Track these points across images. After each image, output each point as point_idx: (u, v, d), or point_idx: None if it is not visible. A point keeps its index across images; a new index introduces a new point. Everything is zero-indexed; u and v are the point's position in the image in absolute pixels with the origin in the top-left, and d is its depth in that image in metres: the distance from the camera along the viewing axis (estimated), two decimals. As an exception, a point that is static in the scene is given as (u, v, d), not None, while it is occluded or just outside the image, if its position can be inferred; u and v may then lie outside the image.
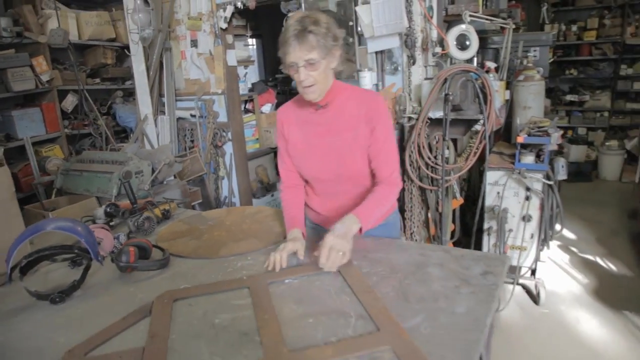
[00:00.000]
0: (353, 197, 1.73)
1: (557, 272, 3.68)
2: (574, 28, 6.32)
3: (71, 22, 4.18)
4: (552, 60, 4.11)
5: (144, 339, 1.23)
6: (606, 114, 6.40)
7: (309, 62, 1.51)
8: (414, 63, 3.19)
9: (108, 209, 2.07)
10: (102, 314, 1.39)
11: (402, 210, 3.40)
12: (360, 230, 1.57)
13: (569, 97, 6.53)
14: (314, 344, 1.15)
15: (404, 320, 1.21)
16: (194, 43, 4.08)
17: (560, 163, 3.50)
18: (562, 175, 3.53)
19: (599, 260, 3.85)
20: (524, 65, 3.58)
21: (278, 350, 1.12)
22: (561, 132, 3.30)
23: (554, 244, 4.12)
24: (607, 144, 5.97)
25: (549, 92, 6.58)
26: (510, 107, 3.65)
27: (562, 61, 6.63)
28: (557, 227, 4.15)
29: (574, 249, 4.08)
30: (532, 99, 3.52)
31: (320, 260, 1.45)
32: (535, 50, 3.84)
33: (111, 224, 2.06)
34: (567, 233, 4.39)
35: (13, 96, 3.86)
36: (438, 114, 3.02)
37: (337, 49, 1.57)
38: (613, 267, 3.72)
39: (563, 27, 6.37)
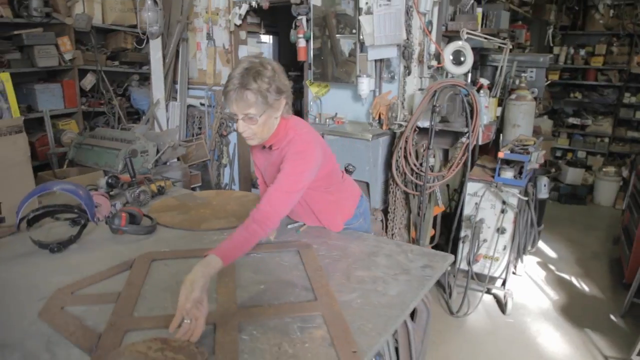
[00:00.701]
0: (322, 201, 1.90)
1: (531, 286, 3.84)
2: (582, 52, 6.45)
3: (97, 6, 4.44)
4: (548, 82, 4.26)
5: (122, 286, 1.46)
6: (607, 139, 6.52)
7: (247, 116, 1.53)
8: (409, 73, 3.40)
9: (109, 180, 2.31)
10: (91, 264, 1.62)
11: (385, 211, 3.61)
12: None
13: (571, 120, 6.66)
14: (259, 304, 1.37)
15: (340, 295, 1.43)
16: (209, 36, 4.33)
17: (543, 182, 3.68)
18: (544, 194, 3.72)
19: (573, 280, 4.00)
20: (517, 85, 3.75)
21: (229, 306, 1.34)
22: (543, 152, 3.47)
23: (533, 260, 4.29)
24: (604, 169, 6.08)
25: (553, 114, 6.73)
26: (500, 123, 3.82)
27: (567, 84, 6.77)
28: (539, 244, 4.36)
29: (552, 266, 4.23)
30: (522, 118, 3.68)
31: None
32: (531, 71, 4.00)
33: (111, 193, 2.29)
34: (548, 251, 4.56)
35: (37, 71, 4.12)
36: (426, 123, 3.21)
37: (281, 100, 1.58)
38: (586, 288, 3.87)
39: (572, 51, 6.51)
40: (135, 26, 4.75)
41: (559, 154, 6.90)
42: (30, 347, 1.18)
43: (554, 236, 4.89)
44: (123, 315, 1.30)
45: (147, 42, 4.42)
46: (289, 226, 1.98)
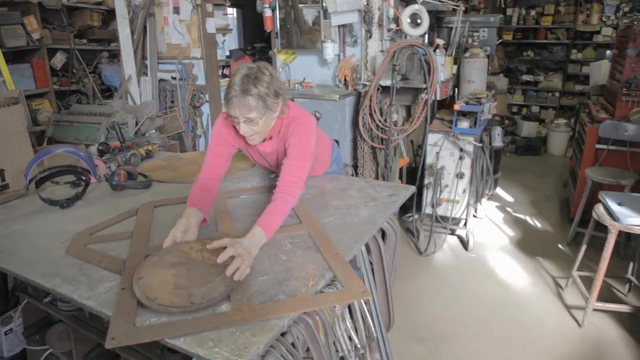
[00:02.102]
0: None
1: (490, 226, 4.23)
2: (533, 13, 6.80)
3: (60, -16, 4.48)
4: (500, 41, 4.57)
5: (132, 227, 1.70)
6: (557, 94, 6.96)
7: (249, 119, 1.64)
8: (370, 37, 3.64)
9: (100, 147, 2.49)
10: (99, 214, 1.84)
11: (355, 166, 3.90)
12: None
13: (525, 77, 7.07)
14: (254, 230, 1.63)
15: (320, 218, 1.70)
16: (176, 10, 4.44)
17: (497, 131, 4.02)
18: (498, 142, 4.06)
19: (528, 219, 4.42)
20: (470, 44, 4.05)
21: (228, 232, 1.60)
22: (495, 103, 3.81)
23: (492, 204, 4.69)
24: (555, 122, 6.54)
25: (508, 72, 7.11)
26: (457, 80, 4.13)
27: (520, 43, 7.14)
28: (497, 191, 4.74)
29: (509, 209, 4.64)
30: (476, 74, 3.99)
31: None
32: (484, 31, 4.30)
33: (103, 158, 2.49)
34: (505, 196, 4.97)
35: (5, 52, 4.16)
36: (388, 82, 3.48)
37: (278, 102, 1.69)
38: (538, 225, 4.29)
39: (523, 12, 6.85)
40: (100, 3, 4.80)
41: (515, 109, 7.31)
42: (66, 273, 1.41)
43: (511, 183, 5.31)
44: (140, 245, 1.54)
45: (114, 19, 4.50)
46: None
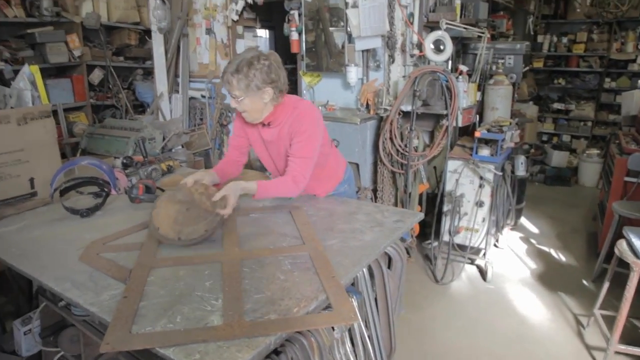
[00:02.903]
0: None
1: (512, 257, 4.15)
2: (565, 40, 6.74)
3: (102, 5, 4.72)
4: (526, 69, 4.54)
5: (143, 239, 1.77)
6: (589, 123, 6.82)
7: (233, 96, 1.90)
8: (393, 62, 3.69)
9: (124, 160, 2.60)
10: (115, 225, 1.93)
11: (374, 190, 3.91)
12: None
13: (556, 105, 6.96)
14: (257, 248, 1.68)
15: (324, 241, 1.73)
16: (209, 31, 4.62)
17: (520, 160, 3.98)
18: (521, 171, 4.01)
19: (552, 251, 4.31)
20: (495, 71, 4.04)
21: (232, 249, 1.65)
22: (518, 131, 3.77)
23: (515, 235, 4.60)
24: (587, 152, 6.38)
25: (538, 99, 7.03)
26: (481, 107, 4.12)
27: (552, 71, 7.06)
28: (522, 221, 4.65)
29: (533, 240, 4.54)
30: (500, 101, 3.98)
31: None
32: (510, 58, 4.29)
33: (126, 171, 2.59)
34: (530, 227, 4.87)
35: (48, 67, 4.41)
36: (408, 107, 3.51)
37: (267, 89, 1.88)
38: (563, 258, 4.18)
39: (555, 39, 6.79)
40: (138, 23, 5.03)
41: (545, 138, 7.20)
42: (77, 278, 1.49)
43: (536, 214, 5.20)
44: (147, 257, 1.60)
45: (150, 38, 4.71)
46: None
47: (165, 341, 1.13)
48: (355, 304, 1.64)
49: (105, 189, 2.13)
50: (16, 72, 3.95)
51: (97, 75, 4.79)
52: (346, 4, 3.65)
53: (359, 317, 1.71)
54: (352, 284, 1.76)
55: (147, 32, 5.01)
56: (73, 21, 4.43)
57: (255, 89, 1.86)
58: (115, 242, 1.77)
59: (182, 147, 4.05)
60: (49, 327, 2.18)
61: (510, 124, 3.71)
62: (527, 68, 4.66)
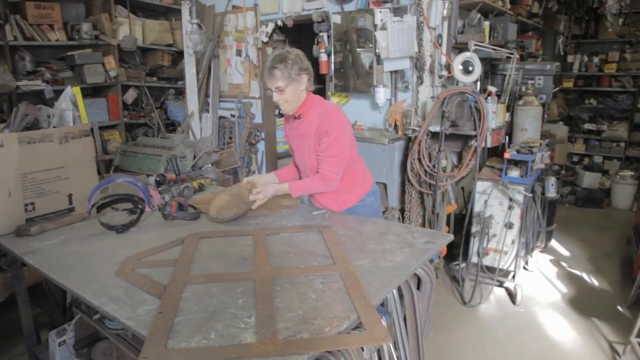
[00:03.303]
0: (341, 182, 2.29)
1: (542, 280, 4.05)
2: (596, 60, 6.63)
3: (137, 28, 4.90)
4: (556, 89, 4.50)
5: (177, 255, 1.81)
6: (622, 144, 6.66)
7: (278, 88, 2.12)
8: (422, 83, 3.71)
9: (157, 178, 2.68)
10: (149, 241, 1.98)
11: (402, 210, 3.90)
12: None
13: (587, 126, 6.84)
14: (288, 267, 1.70)
15: (354, 260, 1.74)
16: (239, 52, 4.74)
17: (551, 182, 3.92)
18: (552, 193, 3.95)
19: (584, 275, 4.19)
20: (524, 92, 4.02)
21: (263, 268, 1.67)
22: (549, 152, 3.72)
23: (545, 257, 4.50)
24: (621, 173, 6.22)
25: (568, 120, 6.91)
26: (510, 128, 4.09)
27: (582, 91, 6.95)
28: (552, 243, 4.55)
29: (563, 263, 4.43)
30: (529, 122, 3.94)
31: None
32: (539, 79, 4.26)
33: (159, 189, 2.66)
34: (561, 250, 4.75)
35: (85, 87, 4.58)
36: (437, 128, 3.51)
37: (303, 76, 2.15)
38: (595, 283, 4.06)
39: (585, 59, 6.70)
40: (171, 45, 5.20)
41: (575, 159, 7.06)
42: (113, 293, 1.53)
43: (567, 237, 5.08)
44: (181, 273, 1.64)
45: (183, 59, 4.86)
46: (314, 213, 2.31)
47: (200, 358, 1.15)
48: (384, 324, 1.64)
49: (140, 206, 2.19)
50: (56, 92, 4.14)
51: (131, 95, 4.95)
52: (375, 26, 3.70)
53: (412, 299, 1.78)
54: (382, 305, 1.76)
55: (180, 54, 5.17)
56: (110, 44, 4.61)
57: (295, 77, 2.10)
58: (149, 258, 1.82)
59: (212, 165, 4.13)
60: (83, 339, 2.24)
61: (541, 145, 3.67)
62: (557, 88, 4.62)
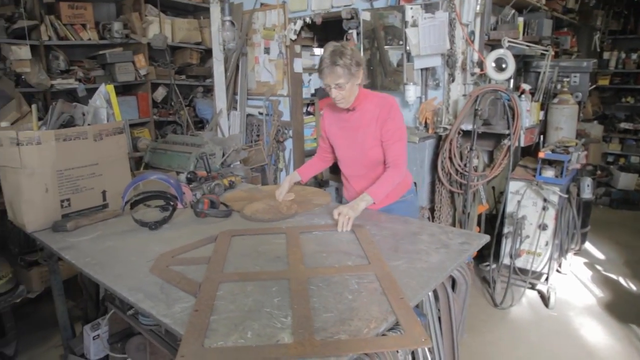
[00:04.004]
0: (371, 180, 2.27)
1: (576, 284, 3.94)
2: (634, 56, 6.42)
3: (167, 27, 4.95)
4: (592, 87, 4.36)
5: (210, 253, 1.81)
6: (661, 144, 6.44)
7: (338, 85, 2.09)
8: (453, 80, 3.63)
9: (189, 175, 2.69)
10: (182, 238, 1.99)
11: (432, 210, 3.84)
12: (375, 203, 2.14)
13: (623, 125, 6.62)
14: (323, 266, 1.67)
15: (390, 261, 1.71)
16: (267, 50, 4.73)
17: (586, 182, 3.80)
18: (587, 194, 3.83)
19: (620, 279, 4.06)
20: (559, 90, 3.90)
21: (297, 267, 1.65)
22: (585, 153, 3.61)
23: (579, 260, 4.38)
24: (658, 174, 6.02)
25: (603, 119, 6.71)
26: (544, 126, 3.98)
27: (619, 88, 6.73)
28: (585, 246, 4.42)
29: (598, 267, 4.30)
30: (564, 121, 3.83)
31: (338, 227, 2.02)
32: (575, 76, 4.13)
33: (190, 186, 2.67)
34: (595, 252, 4.62)
35: (117, 85, 4.65)
36: (469, 126, 3.44)
37: (360, 71, 2.13)
38: (633, 287, 3.92)
39: (622, 55, 6.49)
40: (199, 43, 5.24)
41: (610, 159, 6.84)
42: (149, 290, 1.53)
43: (602, 239, 4.92)
44: (215, 271, 1.63)
45: (211, 57, 4.89)
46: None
47: (238, 357, 1.14)
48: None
49: (172, 203, 2.20)
50: (88, 90, 4.21)
51: (160, 93, 5.01)
52: (405, 22, 3.64)
53: (448, 301, 1.74)
54: (417, 306, 1.72)
55: (208, 52, 5.20)
56: (140, 42, 4.67)
57: (355, 72, 2.09)
58: (183, 255, 1.82)
59: (240, 162, 4.14)
60: (117, 334, 2.26)
61: (577, 144, 3.56)
62: (594, 86, 4.48)
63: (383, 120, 2.20)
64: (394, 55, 4.01)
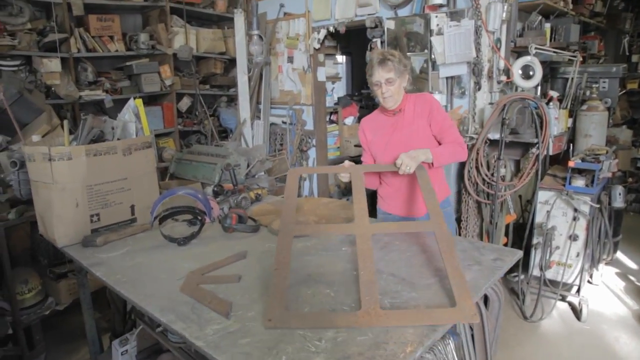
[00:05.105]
0: (416, 189, 2.28)
1: (608, 295, 3.83)
2: (664, 59, 6.25)
3: (192, 37, 5.01)
4: (622, 92, 4.25)
5: (240, 270, 1.80)
6: (693, 149, 6.23)
7: (388, 80, 2.17)
8: (479, 89, 3.59)
9: (215, 189, 2.70)
10: (211, 254, 1.99)
11: (458, 220, 3.78)
12: (432, 164, 2.23)
13: (654, 130, 6.43)
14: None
15: (422, 279, 1.68)
16: (290, 59, 4.75)
17: (618, 191, 3.70)
18: (619, 203, 3.73)
19: (655, 290, 3.94)
20: (588, 96, 3.81)
21: (363, 221, 1.70)
22: (616, 160, 3.51)
23: (611, 270, 4.25)
24: (691, 180, 5.83)
25: (632, 123, 6.52)
26: (572, 134, 3.89)
27: (649, 93, 6.55)
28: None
29: (631, 277, 4.17)
30: (594, 128, 3.73)
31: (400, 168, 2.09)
32: (604, 82, 4.02)
33: (217, 200, 2.68)
34: (628, 262, 4.48)
35: (142, 96, 4.71)
36: (496, 135, 3.39)
37: (406, 73, 2.24)
38: (668, 298, 3.80)
39: (651, 59, 6.33)
40: (224, 53, 5.28)
41: (640, 164, 6.65)
42: (180, 310, 1.53)
43: (634, 247, 4.78)
44: (289, 222, 1.72)
45: (235, 66, 4.93)
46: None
47: (316, 322, 1.34)
48: (452, 346, 1.57)
49: (200, 218, 2.21)
50: (115, 101, 4.28)
51: (185, 103, 5.06)
52: (431, 31, 3.61)
53: (481, 319, 1.76)
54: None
55: (232, 61, 5.24)
56: (166, 53, 4.73)
57: (403, 72, 2.20)
58: (213, 272, 1.82)
59: (265, 173, 4.15)
60: (145, 350, 2.28)
61: (607, 152, 3.46)
62: (624, 91, 4.36)
63: (429, 112, 2.27)
64: (416, 61, 3.98)
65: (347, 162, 2.25)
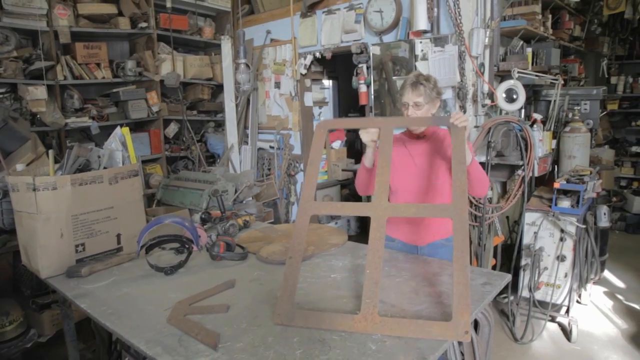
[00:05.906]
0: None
1: (597, 315, 3.84)
2: (642, 80, 6.42)
3: (179, 64, 5.03)
4: (604, 113, 4.35)
5: (228, 300, 1.78)
6: (674, 167, 6.37)
7: (416, 103, 2.14)
8: (464, 112, 3.63)
9: (203, 216, 2.69)
10: (198, 284, 1.96)
11: (447, 242, 3.78)
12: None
13: (635, 149, 6.57)
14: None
15: (412, 306, 1.67)
16: (277, 85, 4.79)
17: (603, 210, 3.75)
18: (604, 222, 3.78)
19: (643, 308, 3.96)
20: (571, 118, 3.89)
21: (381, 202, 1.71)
22: (600, 181, 3.57)
23: (599, 289, 4.28)
24: (673, 198, 5.93)
25: (614, 143, 6.66)
26: (556, 155, 3.95)
27: (628, 113, 6.71)
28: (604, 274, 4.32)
29: (619, 296, 4.19)
30: (577, 149, 3.81)
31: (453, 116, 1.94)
32: (585, 104, 4.12)
33: (205, 227, 2.67)
34: (615, 281, 4.51)
35: (129, 122, 4.70)
36: (482, 158, 3.42)
37: (438, 100, 2.21)
38: (656, 317, 3.82)
39: (630, 80, 6.48)
40: (211, 79, 5.31)
41: (623, 183, 6.77)
42: (167, 342, 1.50)
43: (621, 266, 4.83)
44: (308, 200, 1.87)
45: (222, 92, 4.95)
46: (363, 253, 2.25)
47: (319, 321, 1.49)
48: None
49: (187, 246, 2.19)
50: (102, 128, 4.26)
51: (172, 129, 5.05)
52: (415, 56, 3.67)
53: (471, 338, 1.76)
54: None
55: (219, 87, 5.27)
56: (153, 79, 4.74)
57: (434, 98, 2.17)
58: (200, 303, 1.79)
59: (252, 198, 4.13)
60: (132, 383, 2.22)
61: (591, 172, 3.52)
62: (605, 112, 4.46)
63: (443, 140, 2.23)
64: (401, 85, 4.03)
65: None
